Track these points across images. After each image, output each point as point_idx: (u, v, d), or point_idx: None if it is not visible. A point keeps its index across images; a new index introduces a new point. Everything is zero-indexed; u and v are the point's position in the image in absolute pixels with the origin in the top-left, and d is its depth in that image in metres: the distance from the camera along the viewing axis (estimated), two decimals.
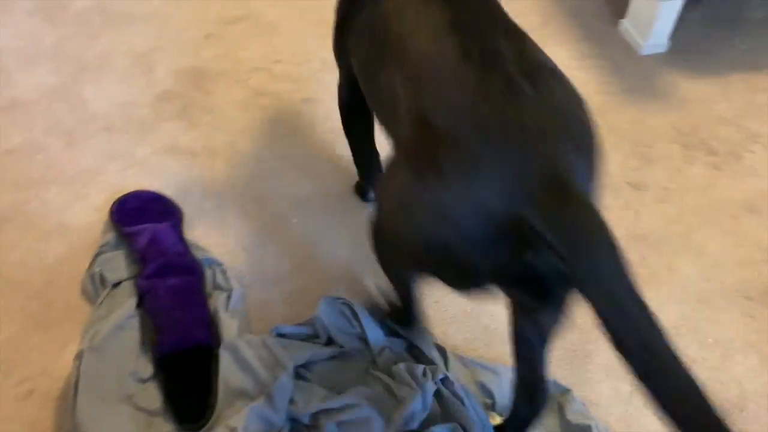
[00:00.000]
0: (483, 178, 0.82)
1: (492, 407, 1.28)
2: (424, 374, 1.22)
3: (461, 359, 1.34)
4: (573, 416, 1.25)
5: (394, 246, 1.03)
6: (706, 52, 1.98)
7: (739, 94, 1.86)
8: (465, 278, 0.95)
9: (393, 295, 1.34)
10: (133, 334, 1.30)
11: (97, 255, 1.45)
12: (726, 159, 1.72)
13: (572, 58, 1.95)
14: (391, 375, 1.25)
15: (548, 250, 0.79)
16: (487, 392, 1.30)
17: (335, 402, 1.19)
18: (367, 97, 1.21)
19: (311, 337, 1.35)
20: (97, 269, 1.41)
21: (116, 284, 1.39)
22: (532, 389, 1.12)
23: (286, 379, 1.20)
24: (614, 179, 1.67)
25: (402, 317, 1.35)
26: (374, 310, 1.39)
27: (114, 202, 1.55)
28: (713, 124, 1.79)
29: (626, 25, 2.00)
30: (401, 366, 1.24)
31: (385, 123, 1.14)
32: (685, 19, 1.99)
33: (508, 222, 0.82)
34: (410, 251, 0.97)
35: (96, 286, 1.39)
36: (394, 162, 0.99)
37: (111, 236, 1.48)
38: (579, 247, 0.77)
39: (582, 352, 1.38)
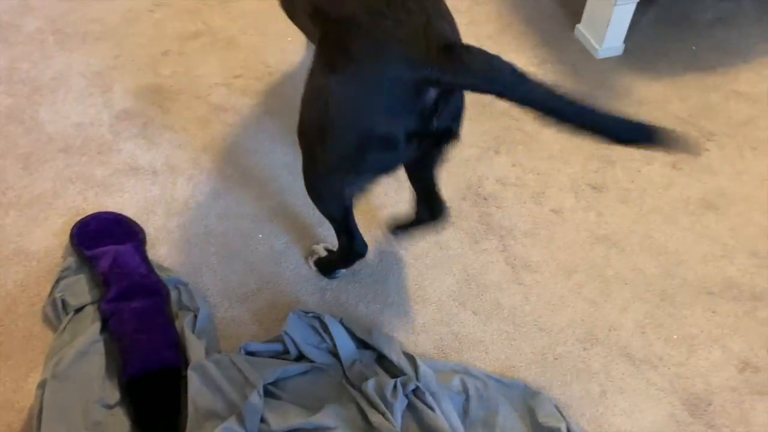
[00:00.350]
0: (387, 52, 1.02)
1: (467, 407, 1.28)
2: (395, 389, 1.21)
3: (432, 364, 1.34)
4: (544, 419, 1.26)
5: (324, 149, 1.16)
6: (660, 53, 2.02)
7: (694, 94, 1.91)
8: (391, 156, 1.14)
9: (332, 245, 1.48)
10: (98, 360, 1.28)
11: (58, 280, 1.42)
12: (683, 158, 1.75)
13: (531, 64, 1.98)
14: (362, 392, 1.24)
15: (452, 98, 1.08)
16: (461, 391, 1.30)
17: (308, 422, 1.18)
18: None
19: (281, 354, 1.34)
20: (58, 294, 1.38)
21: (79, 309, 1.36)
22: (431, 203, 1.41)
23: (256, 398, 1.19)
24: (576, 181, 1.70)
25: (348, 254, 1.43)
26: (321, 264, 1.49)
27: (74, 225, 1.52)
28: (670, 123, 1.82)
29: (582, 30, 2.04)
30: (371, 385, 1.23)
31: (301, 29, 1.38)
32: (638, 21, 2.04)
33: (417, 87, 1.03)
34: (340, 145, 1.12)
35: (58, 312, 1.36)
36: (310, 68, 1.13)
37: (72, 260, 1.45)
38: (489, 72, 1.02)
39: (551, 354, 1.40)
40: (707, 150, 1.77)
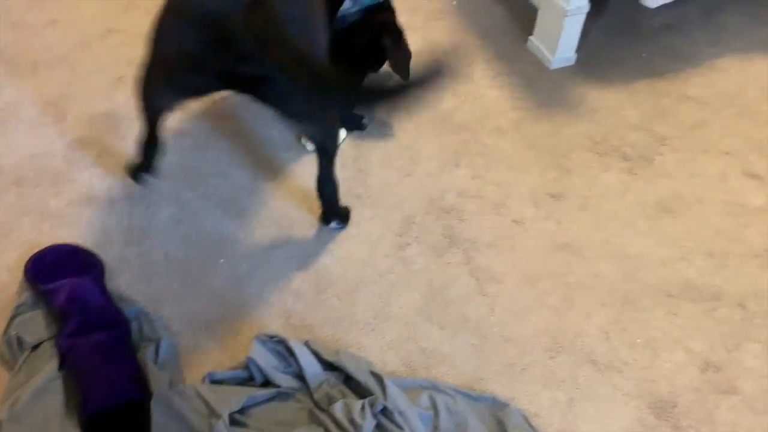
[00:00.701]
0: None
1: (437, 423, 1.28)
2: (363, 410, 1.20)
3: (400, 382, 1.33)
4: (514, 430, 1.26)
5: (148, 65, 1.37)
6: (612, 61, 2.06)
7: (646, 100, 1.95)
8: (197, 80, 1.29)
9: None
10: (56, 398, 1.24)
11: (12, 317, 1.38)
12: (638, 163, 1.79)
13: (485, 77, 2.00)
14: (330, 415, 1.23)
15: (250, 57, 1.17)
16: (430, 407, 1.30)
17: None
18: None
19: (247, 381, 1.32)
20: (13, 332, 1.34)
21: (35, 346, 1.32)
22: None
23: (221, 429, 1.17)
24: (535, 191, 1.72)
25: (142, 162, 1.65)
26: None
27: (29, 259, 1.48)
28: (624, 130, 1.87)
29: (535, 41, 2.07)
30: (338, 407, 1.22)
31: None
32: (589, 31, 2.07)
33: (219, 29, 1.15)
34: (159, 62, 1.32)
35: (13, 350, 1.32)
36: None
37: (27, 296, 1.42)
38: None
39: (519, 365, 1.40)
40: (661, 154, 1.81)
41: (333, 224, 1.62)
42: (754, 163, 1.78)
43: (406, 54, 1.76)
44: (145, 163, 1.66)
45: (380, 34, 1.73)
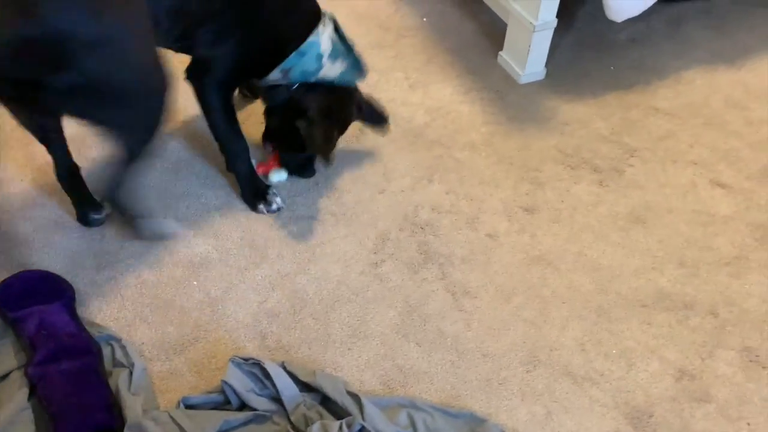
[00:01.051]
0: None
1: None
2: (340, 430, 1.19)
3: (378, 401, 1.32)
4: None
5: None
6: (581, 75, 2.09)
7: (615, 112, 1.98)
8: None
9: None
10: (27, 429, 1.21)
11: None
12: (609, 175, 1.81)
13: (457, 92, 2.01)
14: None
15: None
16: (409, 426, 1.29)
17: None
18: None
19: (223, 405, 1.31)
20: None
21: (4, 377, 1.29)
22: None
23: None
24: (508, 205, 1.73)
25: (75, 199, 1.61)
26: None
27: None
28: (594, 142, 1.89)
29: (504, 56, 2.09)
30: (315, 428, 1.21)
31: None
32: (558, 45, 2.11)
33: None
34: None
35: None
36: None
37: None
38: None
39: (496, 380, 1.40)
40: (632, 166, 1.83)
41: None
42: (721, 173, 1.81)
43: (327, 135, 1.61)
44: (79, 200, 1.61)
45: (293, 116, 1.58)
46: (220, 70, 1.55)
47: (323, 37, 1.53)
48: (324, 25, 1.54)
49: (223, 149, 1.68)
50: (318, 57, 1.53)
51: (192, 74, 1.58)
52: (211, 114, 1.61)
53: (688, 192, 1.77)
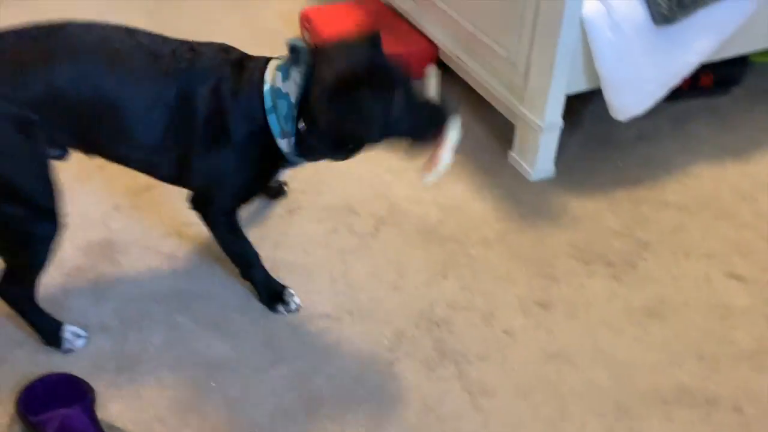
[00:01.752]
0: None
1: None
2: None
3: None
4: None
5: None
6: (590, 171, 2.15)
7: (625, 207, 2.02)
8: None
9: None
10: None
11: None
12: (623, 269, 1.82)
13: (469, 190, 2.08)
14: None
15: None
16: None
17: None
18: None
19: None
20: None
21: None
22: None
23: None
24: (523, 300, 1.74)
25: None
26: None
27: (20, 391, 1.48)
28: (606, 237, 1.92)
29: (514, 155, 2.17)
30: None
31: None
32: (566, 143, 2.18)
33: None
34: None
35: None
36: None
37: (18, 429, 1.40)
38: None
39: None
40: (645, 260, 1.85)
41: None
42: (736, 265, 1.82)
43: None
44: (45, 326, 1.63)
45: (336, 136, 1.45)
46: (223, 199, 1.59)
47: (267, 77, 1.43)
48: (267, 72, 1.44)
49: (235, 261, 1.72)
50: (276, 93, 1.41)
51: (195, 205, 1.62)
52: (219, 237, 1.66)
53: (702, 285, 1.77)
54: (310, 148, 1.47)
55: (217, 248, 1.90)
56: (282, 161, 1.52)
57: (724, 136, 2.27)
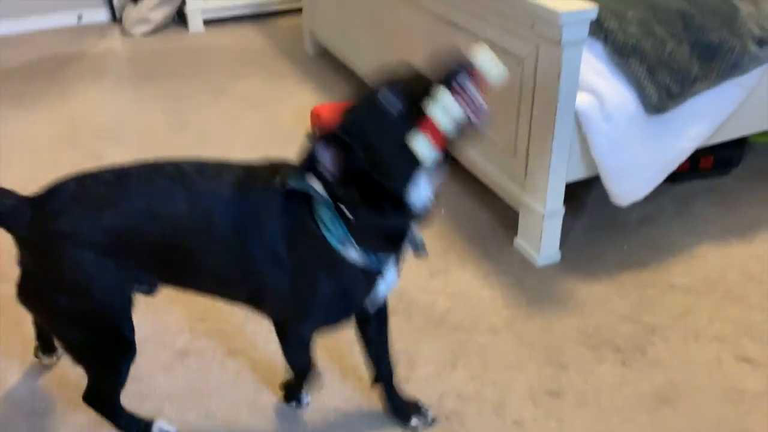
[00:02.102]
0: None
1: None
2: None
3: None
4: None
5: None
6: (595, 256, 2.18)
7: (632, 291, 2.03)
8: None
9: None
10: None
11: None
12: (632, 354, 1.82)
13: (476, 277, 2.11)
14: None
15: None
16: None
17: None
18: None
19: None
20: None
21: None
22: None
23: None
24: (533, 389, 1.74)
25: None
26: None
27: None
28: (614, 322, 1.93)
29: (520, 242, 2.21)
30: None
31: None
32: (571, 228, 2.22)
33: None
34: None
35: None
36: None
37: None
38: None
39: None
40: (653, 344, 1.85)
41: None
42: (746, 347, 1.81)
43: None
44: None
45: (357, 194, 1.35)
46: (302, 327, 1.50)
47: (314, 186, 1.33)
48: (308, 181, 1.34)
49: (293, 371, 1.66)
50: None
51: (278, 334, 1.52)
52: (291, 357, 1.59)
53: (713, 369, 1.76)
54: (362, 232, 1.34)
55: (228, 343, 1.94)
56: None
57: (728, 217, 2.30)
